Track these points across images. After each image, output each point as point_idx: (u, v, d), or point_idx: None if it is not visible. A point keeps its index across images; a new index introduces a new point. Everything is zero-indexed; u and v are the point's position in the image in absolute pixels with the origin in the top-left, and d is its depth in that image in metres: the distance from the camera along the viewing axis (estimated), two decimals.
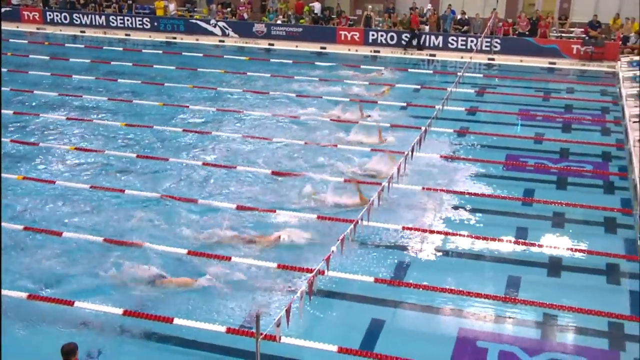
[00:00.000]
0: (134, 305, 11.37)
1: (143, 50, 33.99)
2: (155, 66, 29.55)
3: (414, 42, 32.75)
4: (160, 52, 33.23)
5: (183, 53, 32.61)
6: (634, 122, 19.78)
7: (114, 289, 11.96)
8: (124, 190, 16.13)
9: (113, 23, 37.82)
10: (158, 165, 17.99)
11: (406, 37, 33.18)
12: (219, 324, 10.84)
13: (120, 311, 11.10)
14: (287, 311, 8.85)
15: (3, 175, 15.82)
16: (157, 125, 21.14)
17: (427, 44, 32.92)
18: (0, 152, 17.72)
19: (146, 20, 37.17)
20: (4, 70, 26.77)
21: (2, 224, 13.27)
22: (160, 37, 36.22)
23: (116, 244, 13.38)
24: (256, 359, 8.32)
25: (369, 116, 21.99)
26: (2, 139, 18.76)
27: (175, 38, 36.09)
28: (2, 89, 23.34)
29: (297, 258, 12.99)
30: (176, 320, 10.91)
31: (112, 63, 30.04)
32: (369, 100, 24.27)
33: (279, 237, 13.68)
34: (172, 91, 25.62)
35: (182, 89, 25.88)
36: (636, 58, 27.42)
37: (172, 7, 37.65)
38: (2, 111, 20.28)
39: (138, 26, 37.28)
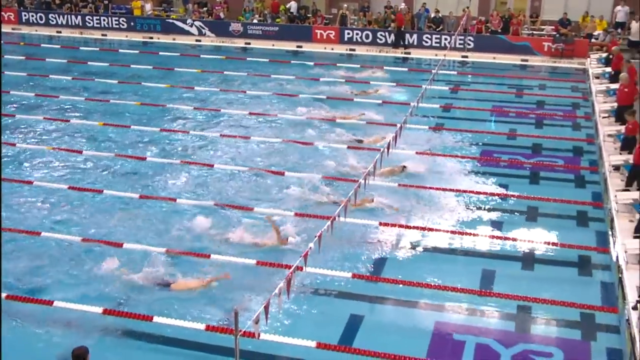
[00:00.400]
0: (114, 304, 11.33)
1: (120, 50, 33.71)
2: (132, 66, 29.34)
3: (401, 41, 32.68)
4: (137, 52, 32.98)
5: (160, 53, 32.38)
6: (604, 117, 20.00)
7: (93, 288, 11.89)
8: (103, 190, 16.03)
9: (89, 23, 37.45)
10: (137, 164, 17.89)
11: (381, 35, 33.23)
12: (199, 322, 10.84)
13: (99, 310, 11.06)
14: (266, 308, 8.85)
15: None
16: (135, 125, 21.01)
17: (401, 42, 32.99)
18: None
19: (122, 20, 36.86)
20: None
21: None
22: (137, 37, 35.97)
23: (96, 243, 13.34)
24: (235, 356, 8.31)
25: (363, 114, 22.07)
26: None
27: (152, 38, 35.86)
28: None
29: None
30: (156, 319, 10.89)
31: (89, 63, 29.76)
32: (346, 98, 24.36)
33: (287, 239, 13.57)
34: (150, 91, 25.47)
35: (159, 88, 25.73)
36: (604, 55, 27.70)
37: (148, 7, 37.36)
38: None
39: (114, 26, 36.97)
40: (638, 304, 10.25)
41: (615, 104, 20.08)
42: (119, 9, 38.21)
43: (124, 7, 38.03)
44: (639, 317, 9.98)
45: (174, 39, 35.22)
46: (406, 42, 32.78)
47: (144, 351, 10.47)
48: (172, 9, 39.32)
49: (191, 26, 35.73)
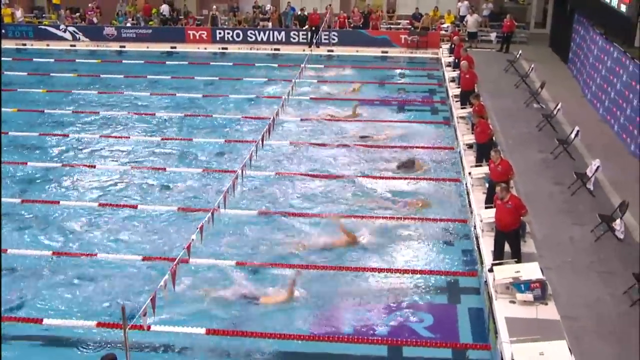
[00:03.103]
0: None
1: None
2: (6, 73, 27.56)
3: (315, 39, 32.19)
4: (10, 59, 31.01)
5: (34, 59, 30.70)
6: (456, 101, 20.79)
7: None
8: None
9: None
10: (16, 170, 16.96)
11: (252, 33, 32.92)
12: (90, 320, 10.45)
13: None
14: (152, 300, 8.64)
15: None
16: (12, 132, 19.83)
17: (270, 40, 32.90)
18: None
19: None
20: None
21: None
22: (10, 44, 33.78)
23: None
24: (125, 349, 8.05)
25: (359, 114, 21.54)
26: None
27: (25, 45, 33.83)
28: None
29: None
30: (46, 321, 10.43)
31: None
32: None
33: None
34: (26, 97, 24.11)
35: (36, 94, 24.46)
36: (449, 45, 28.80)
37: (18, 13, 35.27)
38: None
39: None
40: (493, 267, 10.76)
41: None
42: None
43: None
44: (494, 278, 10.48)
45: (47, 45, 33.41)
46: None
47: (35, 354, 9.98)
48: (44, 15, 37.37)
49: (64, 32, 34.05)
